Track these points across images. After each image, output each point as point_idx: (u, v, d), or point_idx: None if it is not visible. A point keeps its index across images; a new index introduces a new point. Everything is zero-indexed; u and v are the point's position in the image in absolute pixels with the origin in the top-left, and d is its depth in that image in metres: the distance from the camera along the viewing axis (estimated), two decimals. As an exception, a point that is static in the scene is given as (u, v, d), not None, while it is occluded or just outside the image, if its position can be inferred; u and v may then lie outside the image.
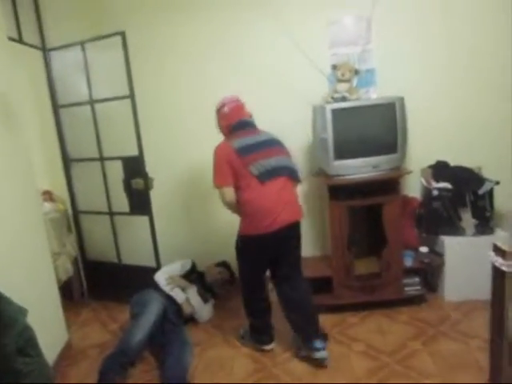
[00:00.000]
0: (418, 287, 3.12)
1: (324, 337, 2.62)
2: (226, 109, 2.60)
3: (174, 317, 2.97)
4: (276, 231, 2.46)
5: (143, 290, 3.03)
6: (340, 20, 3.22)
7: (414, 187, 3.34)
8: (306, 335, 2.59)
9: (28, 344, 1.32)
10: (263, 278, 2.72)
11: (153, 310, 2.77)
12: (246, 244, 2.59)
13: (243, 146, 2.50)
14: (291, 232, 2.57)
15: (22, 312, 1.34)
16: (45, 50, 3.31)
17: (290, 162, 2.63)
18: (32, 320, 1.66)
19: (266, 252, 2.58)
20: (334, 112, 2.83)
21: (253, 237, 2.51)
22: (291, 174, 2.60)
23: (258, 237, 2.48)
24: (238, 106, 2.63)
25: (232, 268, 3.36)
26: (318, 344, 2.53)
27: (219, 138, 2.63)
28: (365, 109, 2.89)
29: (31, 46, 3.18)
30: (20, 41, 3.00)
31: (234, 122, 2.58)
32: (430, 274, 3.24)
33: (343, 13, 3.20)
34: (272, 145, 2.59)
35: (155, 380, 2.57)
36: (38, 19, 3.29)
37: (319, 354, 2.53)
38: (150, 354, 2.82)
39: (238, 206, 2.54)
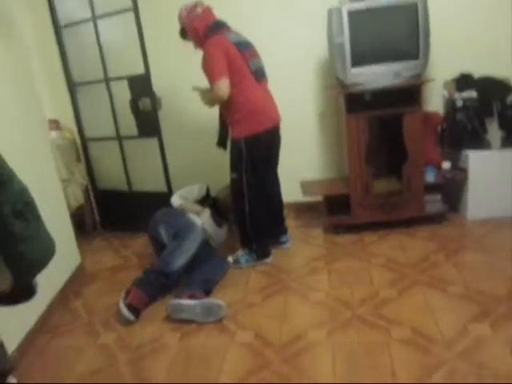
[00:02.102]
0: (440, 204, 2.98)
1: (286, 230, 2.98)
2: (199, 9, 2.51)
3: None
4: (275, 127, 2.63)
5: (163, 209, 2.90)
6: None
7: (436, 102, 3.14)
8: (276, 232, 2.91)
9: (27, 209, 1.22)
10: (269, 176, 2.77)
11: (196, 237, 2.64)
12: (253, 144, 2.54)
13: (240, 41, 2.48)
14: (279, 131, 2.71)
15: (21, 182, 1.24)
16: (42, -36, 3.13)
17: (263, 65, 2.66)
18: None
19: (272, 147, 2.68)
20: (351, 14, 2.63)
21: (260, 133, 2.52)
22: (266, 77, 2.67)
23: (266, 132, 2.55)
24: (209, 7, 2.56)
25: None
26: (284, 238, 2.95)
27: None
28: (384, 10, 2.67)
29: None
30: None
31: (212, 21, 2.51)
32: (453, 191, 3.09)
33: None
34: (252, 45, 2.60)
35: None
36: None
37: (285, 245, 2.94)
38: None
39: (228, 103, 2.48)
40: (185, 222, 2.77)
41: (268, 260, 2.77)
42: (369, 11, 2.67)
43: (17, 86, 2.43)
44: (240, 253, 2.78)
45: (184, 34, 2.61)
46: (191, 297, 2.25)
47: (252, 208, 2.66)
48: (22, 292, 1.36)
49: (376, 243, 2.86)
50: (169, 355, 1.99)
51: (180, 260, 2.47)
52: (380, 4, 2.68)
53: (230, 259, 2.77)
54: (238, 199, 2.69)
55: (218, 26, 2.50)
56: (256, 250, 2.74)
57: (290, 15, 3.16)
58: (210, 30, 2.47)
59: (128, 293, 2.35)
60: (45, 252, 1.28)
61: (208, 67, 2.42)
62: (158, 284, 2.41)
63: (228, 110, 2.56)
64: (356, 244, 2.88)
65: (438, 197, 2.98)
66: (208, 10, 2.54)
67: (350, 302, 2.22)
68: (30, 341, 2.16)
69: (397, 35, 2.72)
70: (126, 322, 2.26)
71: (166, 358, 1.98)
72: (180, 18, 2.57)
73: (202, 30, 2.48)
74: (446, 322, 1.98)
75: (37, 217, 1.26)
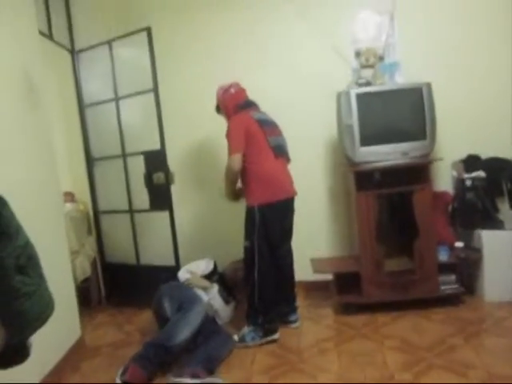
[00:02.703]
0: (455, 285, 2.88)
1: (296, 309, 2.89)
2: (232, 90, 2.79)
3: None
4: (289, 199, 2.73)
5: (170, 282, 2.88)
6: (362, 16, 3.21)
7: (444, 182, 3.18)
8: (285, 310, 2.83)
9: (29, 263, 1.20)
10: (282, 248, 2.79)
11: (201, 310, 2.58)
12: (267, 213, 2.60)
13: (262, 118, 2.70)
14: (293, 204, 2.80)
15: (26, 236, 1.24)
16: (73, 51, 3.41)
17: (286, 144, 2.84)
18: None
19: (285, 218, 2.74)
20: (359, 97, 2.77)
21: (274, 203, 2.60)
22: (288, 155, 2.85)
23: (278, 202, 2.63)
24: (242, 88, 2.84)
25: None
26: (293, 317, 2.85)
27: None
28: (391, 93, 2.82)
29: (61, 45, 3.27)
30: (50, 37, 3.09)
31: (242, 100, 2.78)
32: (468, 272, 2.99)
33: (366, 8, 3.20)
34: (276, 124, 2.82)
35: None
36: (69, 20, 3.41)
37: (294, 325, 2.84)
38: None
39: (246, 173, 2.64)
40: (189, 294, 2.71)
41: (275, 336, 2.64)
42: (376, 94, 2.81)
43: (38, 157, 2.53)
44: (246, 330, 2.66)
45: (218, 109, 2.89)
46: (193, 375, 2.13)
47: (262, 278, 2.61)
48: (15, 352, 1.30)
49: (389, 324, 2.72)
50: None
51: (183, 333, 2.37)
52: (386, 88, 2.83)
53: (236, 337, 2.65)
54: (249, 269, 2.67)
55: (246, 105, 2.75)
56: (262, 324, 2.63)
57: (300, 93, 3.34)
58: (239, 107, 2.73)
59: (126, 369, 2.23)
60: (43, 309, 1.24)
61: (228, 140, 2.63)
62: (157, 360, 2.29)
63: (245, 179, 2.68)
64: (368, 325, 2.74)
65: (453, 277, 2.88)
66: (241, 91, 2.81)
67: (363, 386, 2.07)
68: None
69: (403, 117, 2.83)
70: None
71: None
72: (217, 95, 2.84)
73: (231, 107, 2.75)
74: (467, 409, 1.82)
75: (39, 273, 1.24)
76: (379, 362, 2.29)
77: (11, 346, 1.26)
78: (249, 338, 2.62)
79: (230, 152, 2.59)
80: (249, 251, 2.66)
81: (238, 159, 2.57)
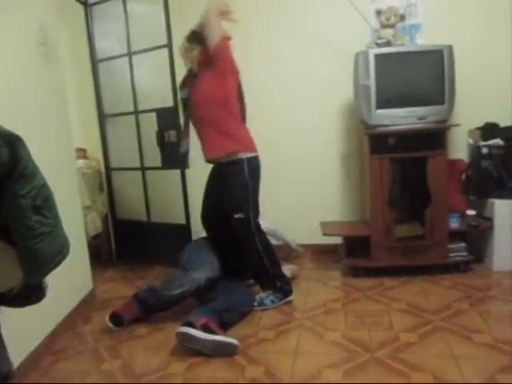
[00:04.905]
0: (464, 253, 2.87)
1: None
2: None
3: None
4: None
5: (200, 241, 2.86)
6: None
7: (460, 150, 3.13)
8: None
9: (45, 204, 1.21)
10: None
11: (198, 277, 2.45)
12: (258, 164, 2.55)
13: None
14: None
15: (43, 178, 1.25)
16: (87, 3, 3.34)
17: None
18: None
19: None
20: (378, 57, 2.69)
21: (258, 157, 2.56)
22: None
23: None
24: None
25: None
26: None
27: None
28: (410, 55, 2.74)
29: (74, -2, 3.21)
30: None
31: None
32: (477, 241, 2.98)
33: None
34: None
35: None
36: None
37: None
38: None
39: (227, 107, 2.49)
40: (201, 259, 2.63)
41: (292, 298, 2.64)
42: (395, 55, 2.73)
43: (51, 111, 2.51)
44: (263, 295, 2.61)
45: (196, 37, 2.53)
46: (205, 326, 2.10)
47: (264, 244, 2.56)
48: (31, 292, 1.33)
49: (397, 288, 2.74)
50: (174, 385, 1.90)
51: (176, 290, 2.41)
52: (406, 49, 2.75)
53: (257, 301, 2.59)
54: (248, 242, 2.54)
55: None
56: (281, 287, 2.61)
57: (316, 56, 3.27)
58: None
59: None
60: (59, 250, 1.25)
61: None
62: (151, 302, 2.45)
63: (225, 121, 2.49)
64: (375, 288, 2.77)
65: (463, 245, 2.87)
66: None
67: (368, 344, 2.10)
68: (33, 361, 2.09)
69: (422, 80, 2.75)
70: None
71: (170, 388, 1.88)
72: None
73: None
74: (470, 370, 1.84)
75: (55, 214, 1.25)
76: (385, 323, 2.31)
77: (28, 286, 1.29)
78: (268, 301, 2.58)
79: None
80: (243, 223, 2.50)
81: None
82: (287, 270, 2.84)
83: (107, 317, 2.44)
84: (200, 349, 2.08)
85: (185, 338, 2.10)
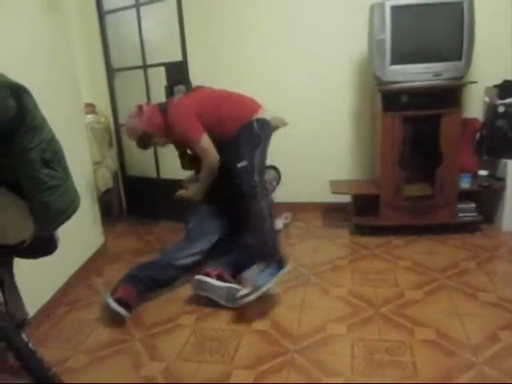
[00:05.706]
0: (474, 213, 2.86)
1: None
2: (144, 116, 2.54)
3: None
4: None
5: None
6: None
7: (475, 109, 3.04)
8: None
9: (55, 158, 1.21)
10: None
11: (198, 251, 2.41)
12: (264, 128, 2.37)
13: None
14: None
15: (52, 131, 1.24)
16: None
17: None
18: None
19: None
20: (394, 9, 2.58)
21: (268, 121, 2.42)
22: None
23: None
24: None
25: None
26: None
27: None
28: (428, 7, 2.61)
29: None
30: None
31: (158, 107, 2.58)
32: (488, 201, 2.96)
33: None
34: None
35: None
36: None
37: None
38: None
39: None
40: (203, 229, 2.53)
41: (290, 267, 2.28)
42: (412, 8, 2.61)
43: (57, 62, 2.47)
44: (256, 272, 2.16)
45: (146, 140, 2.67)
46: (218, 277, 2.16)
47: (267, 202, 2.25)
48: (43, 244, 1.36)
49: (403, 247, 2.76)
50: (183, 335, 1.96)
51: (175, 263, 2.33)
52: (424, 1, 2.62)
53: (244, 291, 2.06)
54: (250, 195, 2.20)
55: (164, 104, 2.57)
56: (276, 257, 2.20)
57: (329, 8, 3.14)
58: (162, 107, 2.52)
59: (115, 290, 2.18)
60: (69, 203, 1.27)
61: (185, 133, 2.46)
62: (147, 273, 2.25)
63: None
64: (382, 246, 2.78)
65: (473, 205, 2.85)
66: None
67: (373, 300, 2.14)
68: (48, 311, 2.18)
69: (440, 34, 2.64)
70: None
71: (179, 337, 1.95)
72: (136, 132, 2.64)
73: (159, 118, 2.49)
74: (474, 327, 1.87)
75: (64, 167, 1.26)
76: (391, 280, 2.35)
77: (40, 238, 1.32)
78: (264, 279, 2.13)
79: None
80: (247, 172, 2.21)
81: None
82: (280, 221, 2.87)
83: (115, 304, 2.08)
84: (213, 297, 2.15)
85: (200, 285, 2.16)
